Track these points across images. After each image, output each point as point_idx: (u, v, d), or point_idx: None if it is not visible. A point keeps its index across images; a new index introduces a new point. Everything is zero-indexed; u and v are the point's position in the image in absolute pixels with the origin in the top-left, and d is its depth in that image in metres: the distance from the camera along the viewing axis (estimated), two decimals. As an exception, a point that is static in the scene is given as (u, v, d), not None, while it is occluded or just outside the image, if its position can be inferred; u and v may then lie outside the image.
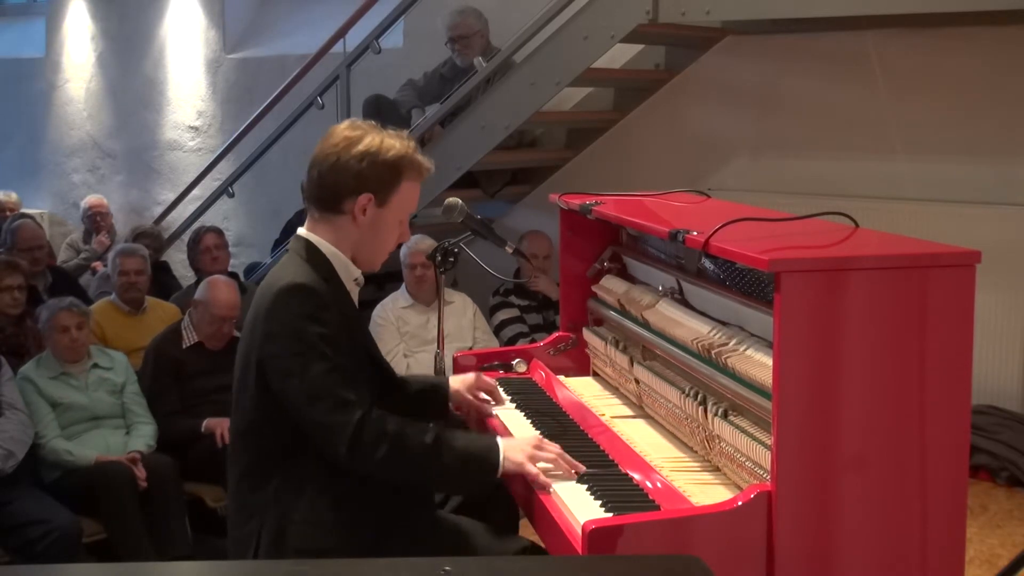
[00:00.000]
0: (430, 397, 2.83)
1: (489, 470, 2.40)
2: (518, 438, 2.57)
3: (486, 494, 2.67)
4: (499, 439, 2.45)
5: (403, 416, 2.42)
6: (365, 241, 2.50)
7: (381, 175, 2.44)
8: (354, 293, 2.56)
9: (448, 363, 3.28)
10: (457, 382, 2.90)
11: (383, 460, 2.31)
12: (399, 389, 2.71)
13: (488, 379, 2.98)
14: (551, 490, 2.38)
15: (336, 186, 2.45)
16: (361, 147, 2.43)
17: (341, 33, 6.17)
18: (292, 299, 2.35)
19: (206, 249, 5.86)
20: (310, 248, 2.48)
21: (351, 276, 2.53)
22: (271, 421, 2.39)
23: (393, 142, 2.47)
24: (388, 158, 2.44)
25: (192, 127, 8.29)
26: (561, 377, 3.24)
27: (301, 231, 2.52)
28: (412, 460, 2.35)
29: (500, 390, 3.02)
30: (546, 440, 2.51)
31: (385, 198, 2.46)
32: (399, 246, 4.43)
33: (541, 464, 2.42)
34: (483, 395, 2.94)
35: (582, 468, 2.45)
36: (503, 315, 5.42)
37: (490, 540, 2.58)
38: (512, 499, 2.63)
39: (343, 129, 2.49)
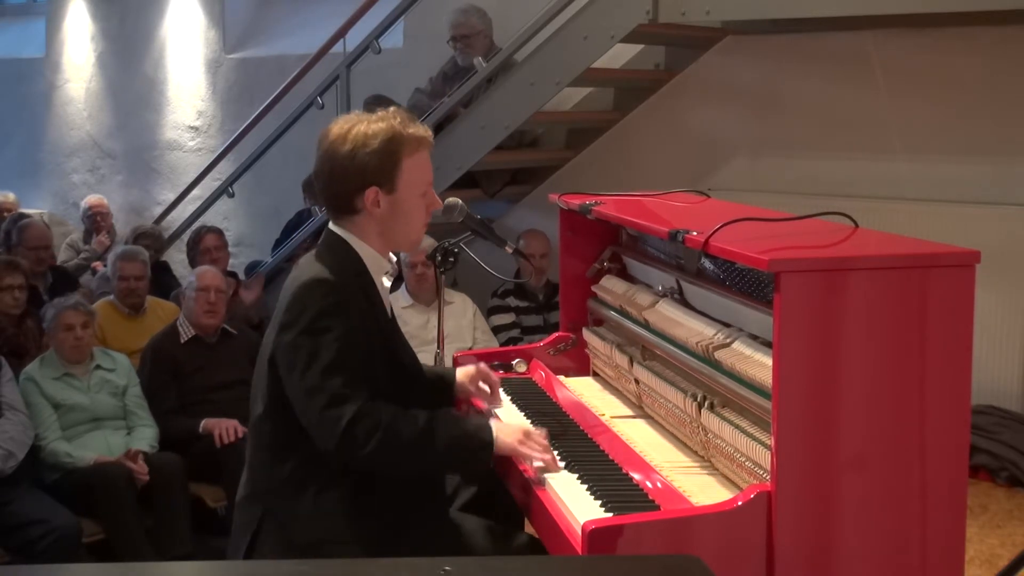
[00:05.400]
0: (438, 387, 2.84)
1: (482, 446, 2.42)
2: (507, 423, 2.60)
3: (481, 475, 2.66)
4: (490, 420, 2.49)
5: (420, 407, 2.44)
6: (393, 227, 2.50)
7: (379, 165, 2.42)
8: (386, 285, 2.56)
9: (448, 363, 3.28)
10: (461, 374, 2.89)
11: (373, 453, 2.30)
12: (418, 382, 2.68)
13: (491, 373, 2.95)
14: (549, 488, 2.38)
15: (340, 192, 2.46)
16: (348, 145, 2.42)
17: (341, 33, 6.17)
18: (310, 294, 2.37)
19: (206, 249, 5.87)
20: (340, 243, 2.49)
21: (382, 269, 2.54)
22: (286, 411, 2.40)
23: (378, 125, 2.44)
24: (377, 146, 2.42)
25: (192, 127, 8.29)
26: (561, 377, 3.24)
27: (331, 226, 2.53)
28: (405, 448, 2.35)
29: (500, 390, 3.01)
30: (534, 431, 2.51)
31: (392, 184, 2.45)
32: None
33: (528, 452, 2.45)
34: (483, 385, 2.92)
35: (558, 468, 2.46)
36: (498, 320, 5.42)
37: (492, 536, 2.58)
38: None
39: (330, 132, 2.47)
